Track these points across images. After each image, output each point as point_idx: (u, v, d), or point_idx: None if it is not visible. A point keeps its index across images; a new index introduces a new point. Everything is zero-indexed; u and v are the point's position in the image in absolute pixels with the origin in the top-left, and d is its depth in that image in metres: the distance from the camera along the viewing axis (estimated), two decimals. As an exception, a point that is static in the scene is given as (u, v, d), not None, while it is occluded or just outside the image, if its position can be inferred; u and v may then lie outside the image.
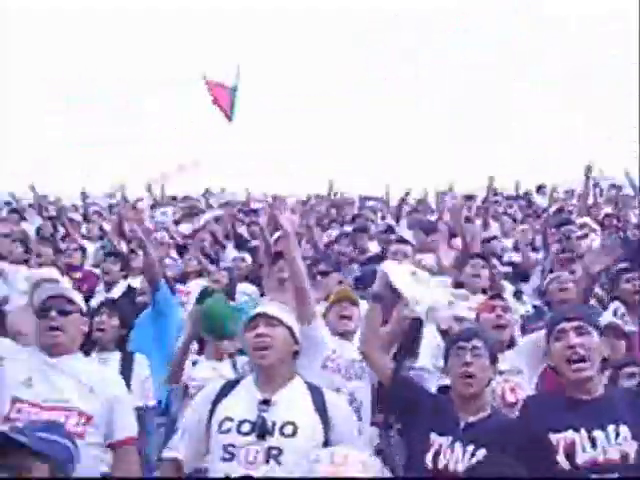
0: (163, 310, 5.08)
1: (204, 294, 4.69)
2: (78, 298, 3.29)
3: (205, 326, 4.35)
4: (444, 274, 5.43)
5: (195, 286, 6.90)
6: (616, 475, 2.74)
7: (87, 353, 3.62)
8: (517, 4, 29.39)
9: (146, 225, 8.32)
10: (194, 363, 4.58)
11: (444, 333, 3.72)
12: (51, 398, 2.98)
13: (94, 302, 5.62)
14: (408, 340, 3.90)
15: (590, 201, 9.77)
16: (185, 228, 9.96)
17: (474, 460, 2.86)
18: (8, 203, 13.70)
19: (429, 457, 2.99)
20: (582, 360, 2.88)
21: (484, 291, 5.08)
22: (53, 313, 3.12)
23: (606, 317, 4.77)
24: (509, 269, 7.23)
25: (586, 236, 7.40)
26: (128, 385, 3.81)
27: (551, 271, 6.08)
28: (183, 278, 7.23)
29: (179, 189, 15.01)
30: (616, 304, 5.27)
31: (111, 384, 3.22)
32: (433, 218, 9.13)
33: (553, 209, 9.78)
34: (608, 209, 9.93)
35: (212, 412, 2.91)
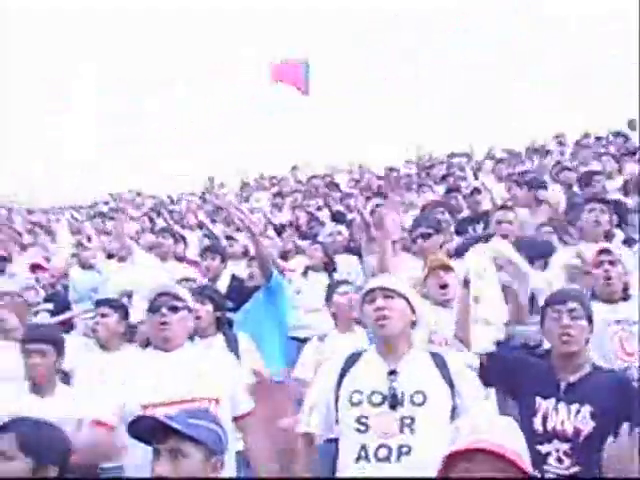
0: (276, 294, 5.17)
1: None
2: (186, 295, 3.41)
3: None
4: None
5: (297, 264, 7.05)
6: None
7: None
8: (517, 4, 28.30)
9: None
10: (321, 338, 4.69)
11: None
12: (178, 394, 3.06)
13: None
14: None
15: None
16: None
17: (580, 417, 2.97)
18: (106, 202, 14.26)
19: (538, 421, 3.05)
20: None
21: (606, 236, 5.00)
22: (164, 310, 3.23)
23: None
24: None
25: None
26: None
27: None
28: (283, 256, 7.40)
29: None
30: None
31: (226, 365, 3.38)
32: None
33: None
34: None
35: (339, 385, 2.97)
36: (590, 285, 4.22)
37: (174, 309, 3.26)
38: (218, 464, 2.27)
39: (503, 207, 5.93)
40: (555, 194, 7.03)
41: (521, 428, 1.91)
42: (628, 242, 5.57)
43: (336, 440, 3.05)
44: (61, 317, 6.29)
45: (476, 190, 7.44)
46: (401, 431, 2.76)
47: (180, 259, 7.37)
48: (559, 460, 2.97)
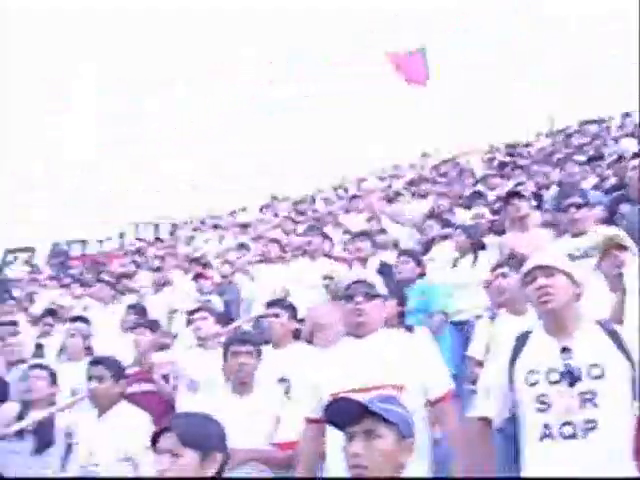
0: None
1: None
2: (380, 283, 3.45)
3: None
4: None
5: (438, 252, 7.09)
6: None
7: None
8: (517, 4, 26.35)
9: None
10: (492, 318, 4.74)
11: None
12: (363, 381, 3.10)
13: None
14: None
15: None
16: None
17: None
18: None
19: None
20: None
21: None
22: (359, 297, 3.30)
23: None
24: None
25: None
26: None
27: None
28: (427, 245, 7.48)
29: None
30: None
31: (413, 347, 3.35)
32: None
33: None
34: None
35: (512, 367, 2.97)
36: None
37: (369, 297, 3.33)
38: (411, 446, 2.37)
39: None
40: None
41: None
42: None
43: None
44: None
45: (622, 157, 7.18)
46: (583, 407, 2.76)
47: (328, 256, 7.57)
48: None
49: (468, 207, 8.48)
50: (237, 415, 3.69)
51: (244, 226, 12.79)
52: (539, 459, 2.82)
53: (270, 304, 5.12)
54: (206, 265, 9.36)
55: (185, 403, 5.07)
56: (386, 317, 3.52)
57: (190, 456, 2.52)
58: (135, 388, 5.04)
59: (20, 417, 4.62)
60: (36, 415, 4.58)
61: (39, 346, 7.20)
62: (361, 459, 2.27)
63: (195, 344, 5.62)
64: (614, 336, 2.91)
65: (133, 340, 5.63)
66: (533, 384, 2.88)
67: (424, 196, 10.32)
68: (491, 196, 8.78)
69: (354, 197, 10.92)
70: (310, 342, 5.37)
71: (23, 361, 6.73)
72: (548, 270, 3.01)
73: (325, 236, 7.73)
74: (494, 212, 7.83)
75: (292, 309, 5.02)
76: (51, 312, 7.92)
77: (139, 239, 16.36)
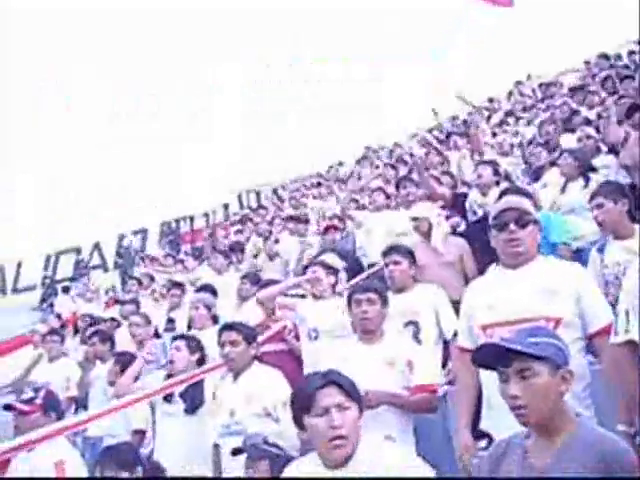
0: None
1: None
2: (532, 208, 3.32)
3: None
4: None
5: (549, 178, 6.86)
6: None
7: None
8: None
9: None
10: (600, 249, 4.56)
11: None
12: (516, 312, 3.02)
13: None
14: None
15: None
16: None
17: None
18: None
19: None
20: None
21: None
22: (512, 226, 3.17)
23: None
24: None
25: None
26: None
27: None
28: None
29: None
30: None
31: (570, 277, 3.19)
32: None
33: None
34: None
35: None
36: None
37: (522, 223, 3.20)
38: (567, 375, 2.29)
39: None
40: None
41: None
42: None
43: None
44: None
45: None
46: None
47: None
48: None
49: (572, 130, 8.13)
50: (368, 364, 3.73)
51: (344, 180, 12.77)
52: None
53: (387, 252, 5.10)
54: (307, 221, 9.46)
55: (309, 352, 5.17)
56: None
57: (354, 410, 2.55)
58: (268, 348, 5.18)
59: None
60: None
61: (170, 320, 7.49)
62: (520, 400, 2.23)
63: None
64: None
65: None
66: None
67: (527, 124, 9.96)
68: (591, 115, 8.37)
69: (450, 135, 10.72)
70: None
71: (158, 335, 7.07)
72: None
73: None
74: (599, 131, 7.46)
75: (411, 255, 5.00)
76: (177, 285, 8.18)
77: (249, 208, 16.68)
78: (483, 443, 3.26)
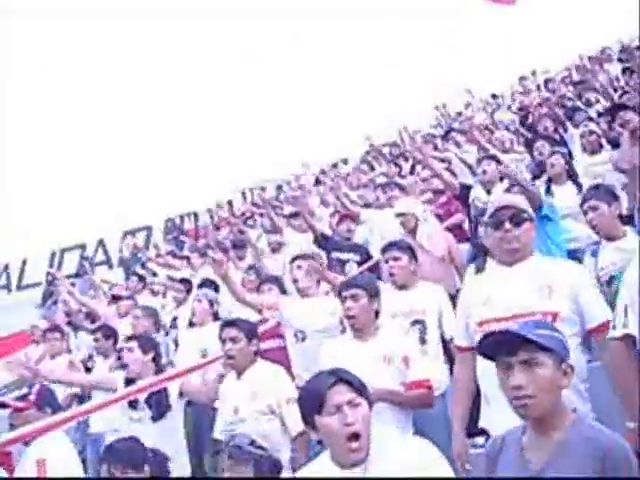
0: (550, 216, 5.11)
1: None
2: (526, 206, 3.32)
3: None
4: None
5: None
6: None
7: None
8: None
9: None
10: (593, 253, 4.57)
11: None
12: (512, 307, 3.05)
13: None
14: None
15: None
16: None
17: None
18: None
19: None
20: None
21: None
22: (507, 224, 3.19)
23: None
24: None
25: None
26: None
27: None
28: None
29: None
30: None
31: (567, 274, 3.21)
32: None
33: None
34: None
35: None
36: None
37: (517, 222, 3.22)
38: (568, 369, 2.29)
39: None
40: None
41: None
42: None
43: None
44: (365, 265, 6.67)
45: None
46: None
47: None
48: None
49: (576, 125, 8.12)
50: (363, 361, 3.69)
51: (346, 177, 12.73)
52: None
53: (386, 247, 5.07)
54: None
55: (298, 353, 5.20)
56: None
57: (365, 406, 2.54)
58: (266, 345, 5.17)
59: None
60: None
61: (174, 318, 7.48)
62: (525, 390, 2.21)
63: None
64: None
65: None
66: None
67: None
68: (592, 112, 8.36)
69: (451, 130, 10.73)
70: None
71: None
72: None
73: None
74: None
75: (411, 250, 4.96)
76: (181, 281, 8.17)
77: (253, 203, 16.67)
78: (481, 440, 3.26)
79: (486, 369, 2.64)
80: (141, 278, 10.31)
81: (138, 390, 4.65)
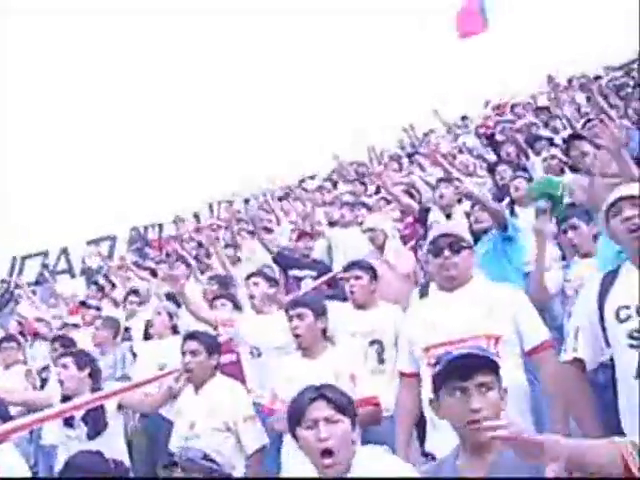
0: (513, 238, 5.20)
1: None
2: (466, 234, 3.45)
3: None
4: None
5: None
6: None
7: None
8: None
9: None
10: (566, 266, 4.63)
11: None
12: (455, 332, 3.12)
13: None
14: None
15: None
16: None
17: None
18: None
19: None
20: None
21: None
22: (446, 252, 3.30)
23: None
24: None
25: None
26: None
27: None
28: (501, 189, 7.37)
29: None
30: None
31: (507, 298, 3.32)
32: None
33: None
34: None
35: (601, 306, 2.88)
36: None
37: (457, 249, 3.32)
38: (503, 393, 2.36)
39: None
40: None
41: None
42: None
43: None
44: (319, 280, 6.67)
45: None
46: None
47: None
48: None
49: (538, 153, 8.28)
50: (311, 379, 3.69)
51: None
52: (635, 396, 2.73)
53: (349, 266, 5.11)
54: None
55: (253, 368, 5.19)
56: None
57: (345, 423, 2.58)
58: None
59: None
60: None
61: (126, 329, 7.42)
62: (482, 413, 2.26)
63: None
64: None
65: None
66: (624, 320, 2.79)
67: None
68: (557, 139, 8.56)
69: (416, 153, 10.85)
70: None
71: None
72: (635, 200, 2.89)
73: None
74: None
75: (372, 269, 4.99)
76: (134, 292, 8.11)
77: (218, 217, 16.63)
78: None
79: None
80: (100, 288, 10.21)
81: (94, 400, 4.61)
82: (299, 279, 6.96)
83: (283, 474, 3.90)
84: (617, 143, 4.49)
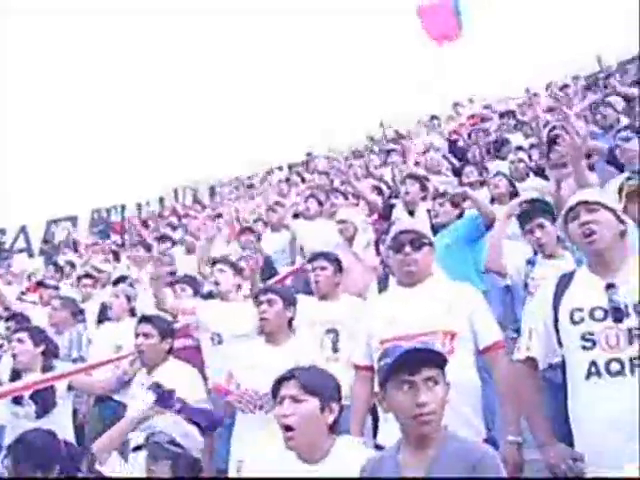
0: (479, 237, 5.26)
1: None
2: (427, 231, 3.48)
3: None
4: None
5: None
6: None
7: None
8: None
9: None
10: (531, 262, 4.66)
11: None
12: (413, 327, 3.16)
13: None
14: None
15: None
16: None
17: None
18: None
19: None
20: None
21: None
22: (407, 248, 3.34)
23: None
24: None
25: None
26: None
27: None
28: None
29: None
30: None
31: (465, 296, 3.39)
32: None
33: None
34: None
35: (556, 307, 2.94)
36: None
37: (417, 246, 3.36)
38: (449, 389, 2.41)
39: None
40: None
41: None
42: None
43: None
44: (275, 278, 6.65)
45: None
46: (630, 343, 2.72)
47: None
48: None
49: (503, 158, 8.39)
50: (272, 365, 3.67)
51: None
52: (586, 397, 2.80)
53: (314, 257, 5.13)
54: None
55: (213, 355, 5.17)
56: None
57: (312, 403, 2.67)
58: (177, 343, 5.13)
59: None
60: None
61: (80, 311, 7.33)
62: (428, 407, 2.30)
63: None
64: None
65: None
66: (578, 322, 2.85)
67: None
68: (526, 144, 8.67)
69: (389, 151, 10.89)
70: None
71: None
72: (592, 206, 2.96)
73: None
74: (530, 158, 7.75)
75: (337, 261, 5.03)
76: (88, 276, 8.02)
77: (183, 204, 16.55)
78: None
79: None
80: (58, 268, 10.07)
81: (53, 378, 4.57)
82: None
83: (231, 458, 3.95)
84: (576, 152, 4.56)
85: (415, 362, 2.34)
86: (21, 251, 18.97)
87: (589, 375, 2.78)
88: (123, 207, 19.48)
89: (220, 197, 14.17)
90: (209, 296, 5.93)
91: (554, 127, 7.96)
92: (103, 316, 6.67)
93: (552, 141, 6.33)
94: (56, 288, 8.39)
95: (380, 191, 7.99)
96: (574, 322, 2.87)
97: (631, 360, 2.71)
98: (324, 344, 4.65)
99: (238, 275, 5.54)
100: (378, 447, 3.20)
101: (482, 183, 7.28)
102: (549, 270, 4.28)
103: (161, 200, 19.76)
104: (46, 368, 4.68)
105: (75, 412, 5.28)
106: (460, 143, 10.32)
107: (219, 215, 9.75)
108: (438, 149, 9.91)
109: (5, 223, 19.62)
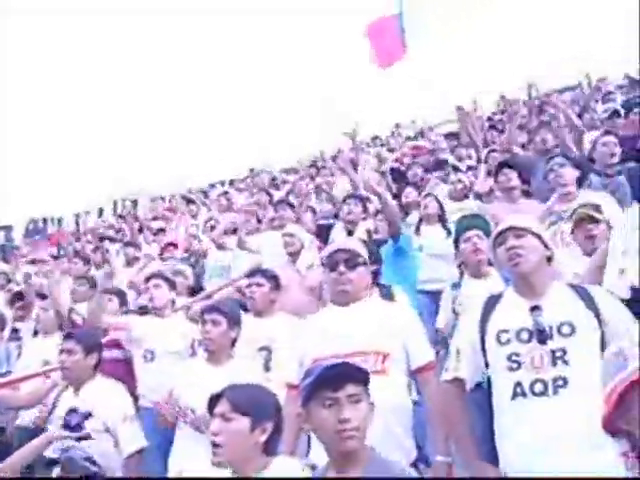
0: (405, 251, 5.28)
1: None
2: (363, 251, 3.44)
3: None
4: None
5: (414, 218, 7.12)
6: None
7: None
8: None
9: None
10: (455, 286, 4.69)
11: None
12: (347, 346, 3.14)
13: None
14: None
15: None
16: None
17: None
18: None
19: None
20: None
21: None
22: (342, 267, 3.32)
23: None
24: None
25: None
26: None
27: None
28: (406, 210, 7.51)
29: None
30: None
31: (398, 317, 3.38)
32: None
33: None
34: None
35: (483, 328, 3.00)
36: None
37: (352, 265, 3.34)
38: (373, 408, 2.42)
39: None
40: None
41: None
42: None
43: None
44: (202, 295, 6.59)
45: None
46: (554, 364, 2.79)
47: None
48: None
49: (444, 180, 8.47)
50: (211, 386, 3.68)
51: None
52: (511, 417, 2.86)
53: (252, 273, 5.11)
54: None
55: (145, 372, 5.08)
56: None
57: (242, 422, 2.64)
58: (105, 354, 5.00)
59: None
60: None
61: (15, 330, 7.11)
62: (352, 423, 2.31)
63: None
64: (585, 296, 2.94)
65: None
66: (504, 343, 2.91)
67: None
68: (462, 166, 8.81)
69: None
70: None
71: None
72: (519, 231, 3.06)
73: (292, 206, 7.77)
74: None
75: (275, 279, 5.01)
76: (20, 296, 7.72)
77: (120, 215, 16.29)
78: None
79: None
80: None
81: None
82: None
83: (170, 470, 3.90)
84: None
85: (338, 379, 2.35)
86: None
87: (515, 396, 2.85)
88: (60, 219, 19.10)
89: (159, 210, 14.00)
90: (143, 311, 5.81)
91: (492, 150, 8.15)
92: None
93: (500, 165, 6.42)
94: None
95: (314, 211, 8.01)
96: (501, 343, 2.93)
97: (554, 381, 2.78)
98: (256, 361, 4.61)
99: (173, 290, 5.46)
100: (313, 467, 3.18)
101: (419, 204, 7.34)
102: (477, 290, 4.34)
103: (100, 211, 19.46)
104: None
105: (3, 430, 5.14)
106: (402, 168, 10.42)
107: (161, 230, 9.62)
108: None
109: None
